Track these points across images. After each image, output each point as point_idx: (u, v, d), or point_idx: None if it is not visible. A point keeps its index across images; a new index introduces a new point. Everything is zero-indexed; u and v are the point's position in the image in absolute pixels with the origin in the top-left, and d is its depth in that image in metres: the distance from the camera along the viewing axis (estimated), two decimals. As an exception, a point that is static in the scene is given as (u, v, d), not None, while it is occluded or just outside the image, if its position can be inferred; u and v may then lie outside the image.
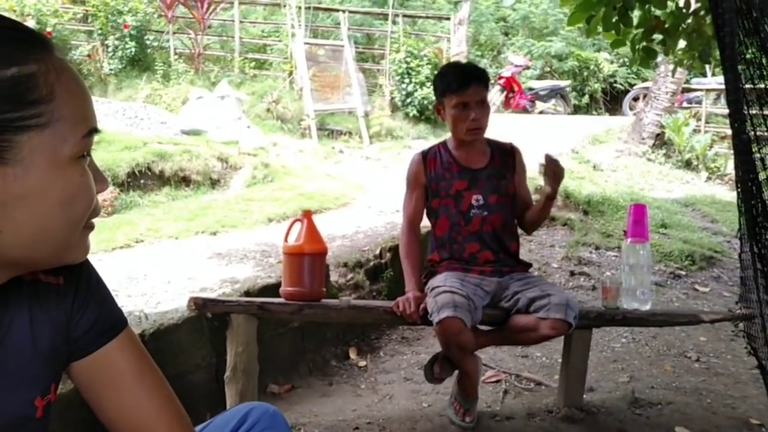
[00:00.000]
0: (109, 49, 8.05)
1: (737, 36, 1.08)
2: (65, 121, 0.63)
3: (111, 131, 5.68)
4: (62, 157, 0.63)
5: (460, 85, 2.14)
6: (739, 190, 1.33)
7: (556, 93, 10.80)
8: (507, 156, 2.27)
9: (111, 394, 0.76)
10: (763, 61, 1.03)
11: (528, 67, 11.28)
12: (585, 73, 11.89)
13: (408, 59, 8.32)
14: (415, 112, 8.22)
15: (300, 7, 8.94)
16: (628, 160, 7.45)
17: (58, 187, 0.63)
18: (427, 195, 2.25)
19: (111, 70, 7.97)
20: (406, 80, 8.28)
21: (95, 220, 0.70)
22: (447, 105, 2.18)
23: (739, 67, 1.09)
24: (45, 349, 0.71)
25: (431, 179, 2.22)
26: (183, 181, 5.38)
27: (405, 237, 2.24)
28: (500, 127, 6.03)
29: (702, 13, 3.21)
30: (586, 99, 11.81)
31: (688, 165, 7.58)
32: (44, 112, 0.62)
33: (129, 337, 0.79)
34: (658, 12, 3.21)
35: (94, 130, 0.67)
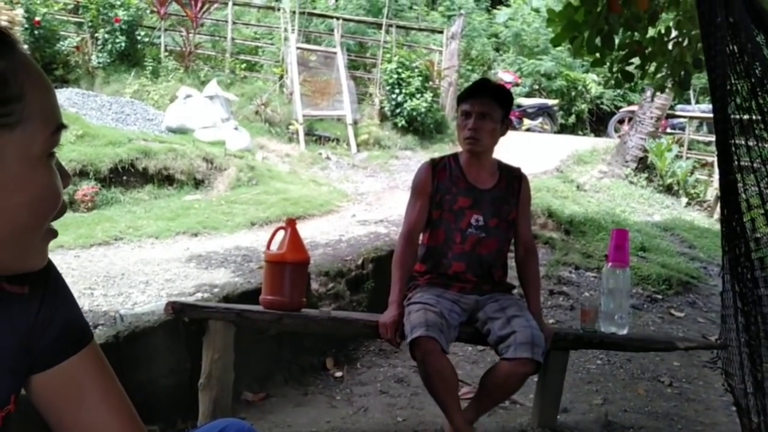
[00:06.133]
0: (99, 42, 7.96)
1: (729, 78, 1.10)
2: (34, 119, 0.62)
3: (96, 125, 5.59)
4: (32, 155, 0.62)
5: (468, 95, 2.19)
6: (723, 229, 1.35)
7: (544, 111, 10.92)
8: (514, 180, 2.26)
9: (73, 409, 0.72)
10: (752, 104, 1.05)
11: (517, 84, 11.39)
12: (573, 93, 12.03)
13: (399, 70, 8.34)
14: (403, 122, 8.23)
15: (294, 12, 8.93)
16: (611, 182, 7.53)
17: (28, 186, 0.62)
18: (430, 204, 2.22)
19: (99, 63, 7.88)
20: (397, 90, 8.29)
21: (62, 219, 0.68)
22: (458, 115, 2.23)
23: (729, 109, 1.11)
24: (5, 359, 0.68)
25: (437, 190, 2.19)
26: (166, 179, 5.31)
27: (401, 245, 2.20)
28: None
29: (686, 43, 3.28)
30: (572, 119, 11.94)
31: (668, 190, 7.69)
32: (14, 111, 0.60)
33: (94, 350, 0.75)
34: (638, 37, 3.28)
35: (62, 126, 0.65)
